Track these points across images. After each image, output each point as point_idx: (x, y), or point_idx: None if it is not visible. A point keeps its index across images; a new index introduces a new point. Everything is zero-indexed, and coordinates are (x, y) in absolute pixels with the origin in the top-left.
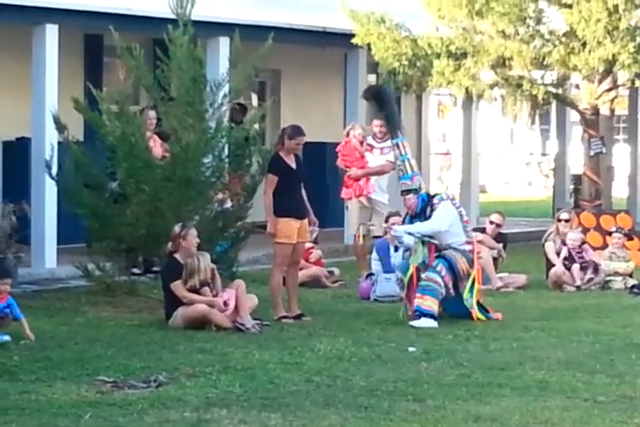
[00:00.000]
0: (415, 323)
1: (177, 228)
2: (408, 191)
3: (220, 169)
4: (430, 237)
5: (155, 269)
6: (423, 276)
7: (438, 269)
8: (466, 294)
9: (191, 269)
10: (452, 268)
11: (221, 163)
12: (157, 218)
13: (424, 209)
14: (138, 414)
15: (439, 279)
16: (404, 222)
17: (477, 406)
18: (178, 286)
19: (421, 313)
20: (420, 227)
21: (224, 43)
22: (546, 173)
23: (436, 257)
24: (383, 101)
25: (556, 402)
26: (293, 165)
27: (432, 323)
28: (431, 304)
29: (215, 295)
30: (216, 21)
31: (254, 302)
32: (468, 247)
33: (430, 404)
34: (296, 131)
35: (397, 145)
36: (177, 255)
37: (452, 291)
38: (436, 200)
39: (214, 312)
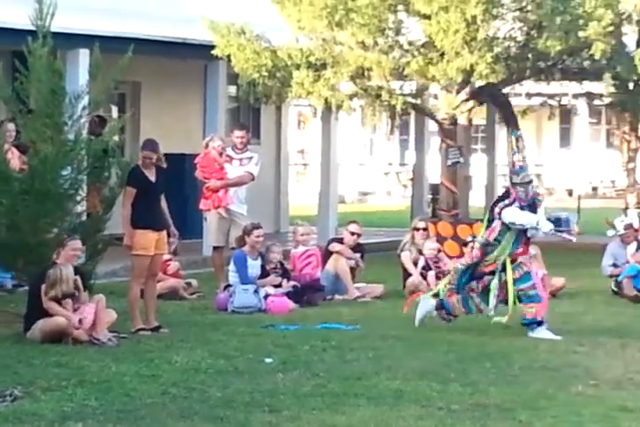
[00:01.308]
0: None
1: (65, 236)
2: (530, 182)
3: (79, 181)
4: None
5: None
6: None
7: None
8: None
9: (53, 279)
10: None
11: (80, 175)
12: (14, 231)
13: (530, 204)
14: None
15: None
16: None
17: (333, 416)
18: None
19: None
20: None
21: (84, 55)
22: (404, 182)
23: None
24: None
25: (411, 411)
26: (152, 178)
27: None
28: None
29: (77, 309)
30: (76, 33)
31: (113, 317)
32: None
33: (286, 414)
34: (145, 144)
35: (518, 138)
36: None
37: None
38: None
39: (72, 325)
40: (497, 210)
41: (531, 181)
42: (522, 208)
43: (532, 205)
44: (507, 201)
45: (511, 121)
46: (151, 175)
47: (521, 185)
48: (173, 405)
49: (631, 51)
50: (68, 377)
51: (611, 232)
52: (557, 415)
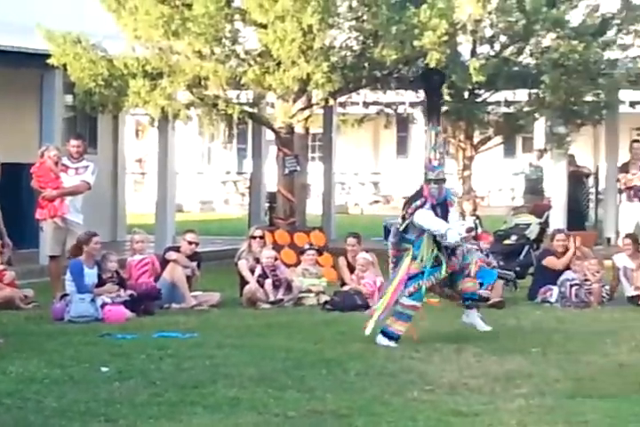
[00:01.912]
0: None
1: None
2: (444, 180)
3: None
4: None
5: None
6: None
7: None
8: None
9: None
10: None
11: None
12: None
13: (441, 203)
14: None
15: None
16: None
17: (169, 425)
18: None
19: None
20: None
21: None
22: (242, 191)
23: None
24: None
25: (248, 419)
26: None
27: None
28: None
29: None
30: None
31: None
32: None
33: (122, 424)
34: None
35: (438, 133)
36: None
37: None
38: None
39: None
40: (409, 211)
41: (445, 180)
42: (434, 208)
43: (443, 204)
44: (419, 202)
45: (434, 115)
46: None
47: (435, 182)
48: (8, 415)
49: (466, 60)
50: None
51: None
52: (393, 421)
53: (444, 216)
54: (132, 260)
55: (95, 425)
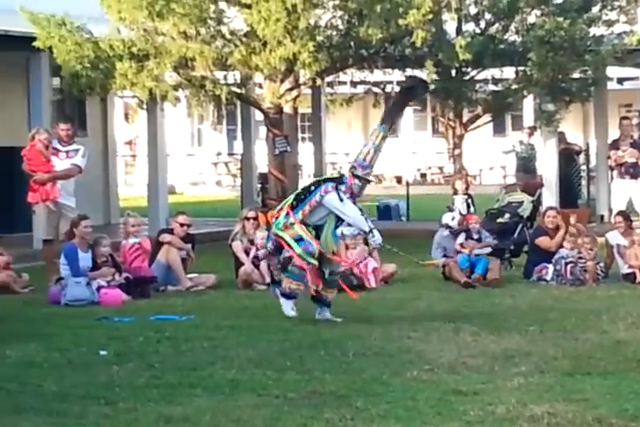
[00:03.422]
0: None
1: None
2: (368, 181)
3: None
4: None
5: None
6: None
7: None
8: None
9: None
10: None
11: None
12: None
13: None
14: None
15: None
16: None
17: (169, 408)
18: None
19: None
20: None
21: None
22: (234, 172)
23: None
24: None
25: (247, 400)
26: None
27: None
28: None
29: None
30: None
31: None
32: None
33: (122, 407)
34: None
35: (385, 137)
36: None
37: None
38: None
39: None
40: (327, 187)
41: (369, 182)
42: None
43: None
44: (343, 187)
45: (389, 117)
46: None
47: (360, 180)
48: (8, 400)
49: (452, 38)
50: None
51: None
52: (393, 401)
53: None
54: (127, 243)
55: (95, 408)
